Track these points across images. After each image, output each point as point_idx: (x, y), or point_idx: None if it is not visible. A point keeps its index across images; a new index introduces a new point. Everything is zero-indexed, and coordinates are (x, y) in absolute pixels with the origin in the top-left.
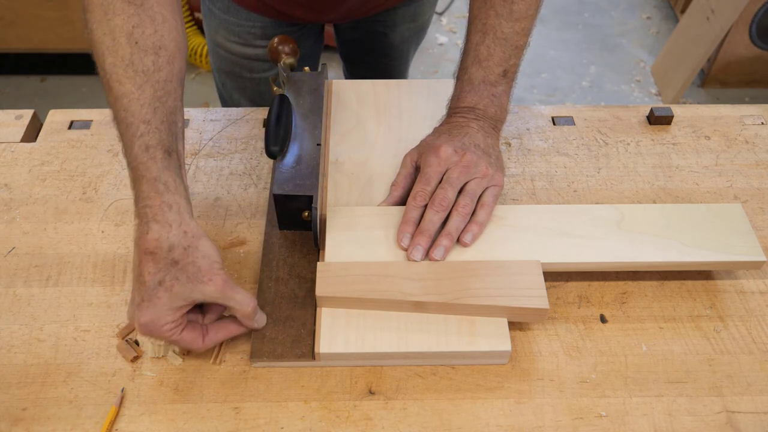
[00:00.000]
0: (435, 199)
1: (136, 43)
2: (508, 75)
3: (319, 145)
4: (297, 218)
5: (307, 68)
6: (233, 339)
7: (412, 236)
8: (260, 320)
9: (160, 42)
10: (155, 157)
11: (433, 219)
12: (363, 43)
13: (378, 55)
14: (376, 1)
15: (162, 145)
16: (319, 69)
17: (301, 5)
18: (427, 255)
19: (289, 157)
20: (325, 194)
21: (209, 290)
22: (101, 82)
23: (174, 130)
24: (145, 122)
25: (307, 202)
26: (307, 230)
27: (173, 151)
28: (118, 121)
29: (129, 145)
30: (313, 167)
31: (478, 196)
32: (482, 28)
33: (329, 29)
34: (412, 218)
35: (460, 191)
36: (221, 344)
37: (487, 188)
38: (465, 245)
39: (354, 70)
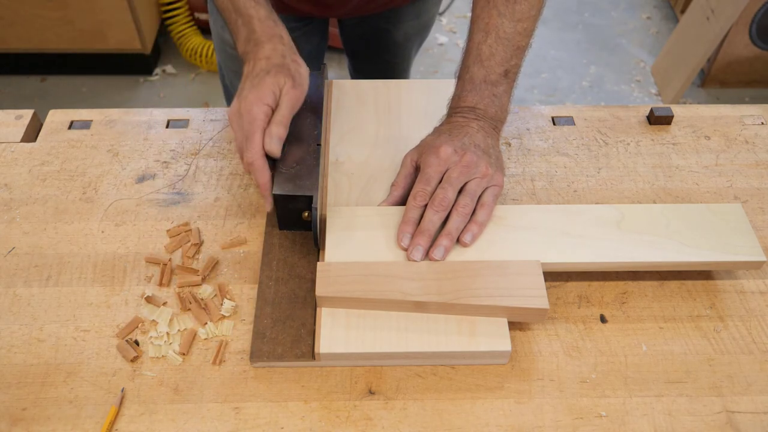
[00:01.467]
0: (435, 199)
1: None
2: (510, 75)
3: (319, 145)
4: (297, 218)
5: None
6: (233, 339)
7: (412, 236)
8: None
9: None
10: (260, 2)
11: (433, 219)
12: (367, 40)
13: (381, 52)
14: (376, 3)
15: None
16: (320, 69)
17: (307, 1)
18: (427, 255)
19: (289, 157)
20: (325, 194)
21: (294, 91)
22: None
23: None
24: None
25: (307, 202)
26: (307, 230)
27: (270, 5)
28: None
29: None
30: (313, 167)
31: (478, 196)
32: (484, 27)
33: (334, 30)
34: (412, 218)
35: (460, 191)
36: (221, 344)
37: (487, 188)
38: (465, 245)
39: (359, 67)
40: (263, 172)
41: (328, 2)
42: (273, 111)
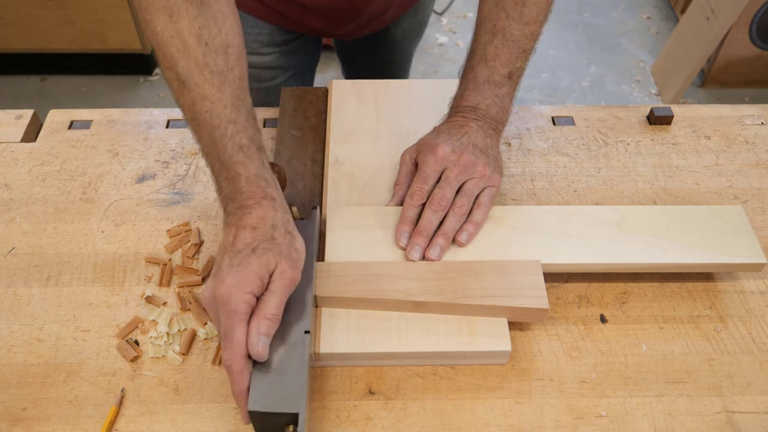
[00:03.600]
0: (434, 199)
1: (206, 44)
2: (513, 77)
3: (307, 332)
4: (279, 431)
5: (295, 209)
6: None
7: (410, 236)
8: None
9: (227, 40)
10: (251, 156)
11: (432, 219)
12: (364, 41)
13: (380, 52)
14: (381, 19)
15: (254, 142)
16: (312, 214)
17: (315, 15)
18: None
19: (271, 355)
20: (325, 195)
21: (288, 274)
22: (169, 84)
23: (257, 126)
24: (232, 122)
25: (292, 419)
26: None
27: (262, 147)
28: (199, 122)
29: (220, 146)
30: (300, 368)
31: (475, 197)
32: (492, 28)
33: None
34: (410, 217)
35: (458, 191)
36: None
37: (484, 188)
38: (460, 244)
39: (354, 70)
40: (242, 377)
41: (334, 18)
42: (257, 298)
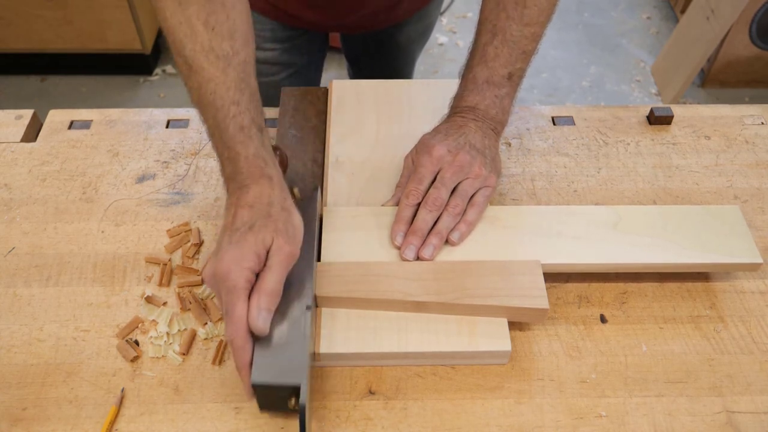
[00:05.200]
0: (428, 199)
1: (213, 29)
2: (513, 79)
3: (308, 308)
4: (282, 404)
5: (296, 190)
6: None
7: (405, 235)
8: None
9: (234, 26)
10: (251, 136)
11: (427, 218)
12: (369, 45)
13: (384, 56)
14: (386, 15)
15: (255, 123)
16: (313, 194)
17: (313, 8)
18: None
19: (273, 328)
20: (326, 195)
21: (285, 249)
22: (178, 67)
23: (260, 108)
24: (235, 104)
25: (294, 391)
26: (294, 414)
27: (263, 128)
28: (205, 104)
29: (222, 127)
30: (302, 341)
31: (469, 197)
32: (492, 29)
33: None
34: (405, 217)
35: (453, 191)
36: (221, 344)
37: (479, 189)
38: (453, 244)
39: (359, 72)
40: (244, 352)
41: (332, 11)
42: (257, 275)
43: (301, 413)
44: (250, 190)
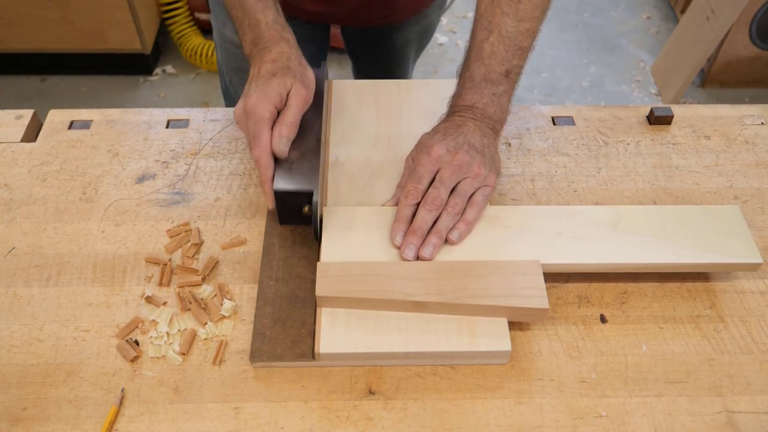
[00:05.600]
0: (428, 199)
1: None
2: (511, 76)
3: (319, 140)
4: (298, 213)
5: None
6: (233, 339)
7: (405, 234)
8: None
9: None
10: (268, 5)
11: (426, 218)
12: (368, 43)
13: (381, 56)
14: (381, 10)
15: None
16: (321, 66)
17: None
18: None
19: (290, 153)
20: (326, 193)
21: (303, 93)
22: None
23: None
24: None
25: (308, 197)
26: (308, 225)
27: (279, 7)
28: None
29: (242, 1)
30: (314, 162)
31: (468, 196)
32: (487, 26)
33: (335, 31)
34: (404, 216)
35: (452, 191)
36: (221, 344)
37: (479, 188)
38: (452, 243)
39: (362, 69)
40: (267, 168)
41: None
42: (278, 111)
43: (313, 214)
44: (272, 50)
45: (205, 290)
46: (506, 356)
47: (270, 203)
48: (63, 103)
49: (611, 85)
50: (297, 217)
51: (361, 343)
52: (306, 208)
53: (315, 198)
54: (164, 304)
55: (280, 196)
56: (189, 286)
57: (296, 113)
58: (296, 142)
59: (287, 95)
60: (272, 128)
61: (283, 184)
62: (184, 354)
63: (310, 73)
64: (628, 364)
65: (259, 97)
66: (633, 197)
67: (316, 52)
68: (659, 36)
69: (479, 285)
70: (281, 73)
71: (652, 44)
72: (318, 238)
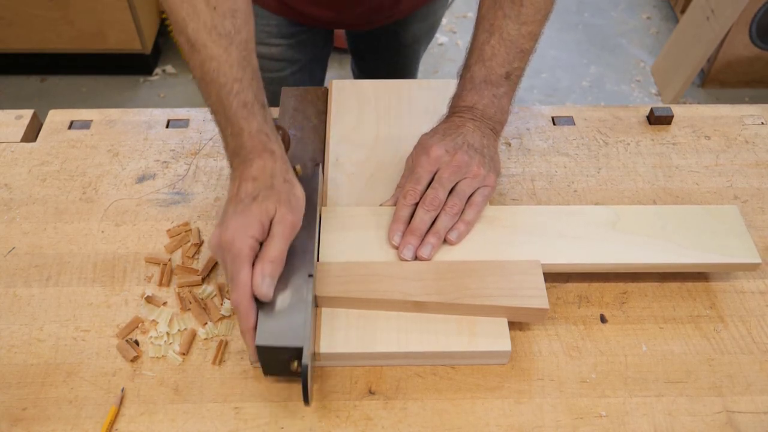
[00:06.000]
0: (426, 199)
1: (215, 8)
2: (512, 78)
3: (311, 276)
4: (284, 367)
5: (298, 167)
6: (233, 339)
7: (403, 234)
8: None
9: (234, 5)
10: (254, 112)
11: (424, 218)
12: (374, 42)
13: (389, 53)
14: (389, 11)
15: (257, 100)
16: (314, 172)
17: (318, 4)
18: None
19: (276, 294)
20: (326, 195)
21: (288, 218)
22: (180, 46)
23: (261, 85)
24: (237, 81)
25: (296, 353)
26: (296, 378)
27: (265, 105)
28: (207, 81)
29: (225, 103)
30: (304, 306)
31: (467, 196)
32: (489, 27)
33: (338, 30)
34: (403, 216)
35: (451, 191)
36: (221, 344)
37: (478, 188)
38: (451, 243)
39: (364, 68)
40: (248, 316)
41: (336, 5)
42: (260, 243)
43: (303, 375)
44: (254, 164)
45: (205, 290)
46: (506, 356)
47: (251, 356)
48: (63, 103)
49: (611, 85)
50: (284, 370)
51: (361, 343)
52: (295, 364)
53: (305, 358)
54: (164, 304)
55: (264, 352)
56: (189, 286)
57: (281, 245)
58: (284, 279)
59: (270, 223)
60: (253, 265)
61: (267, 336)
62: (184, 354)
63: (298, 191)
64: (628, 364)
65: (237, 228)
66: (633, 197)
67: (319, 55)
68: (659, 36)
69: (479, 285)
70: (263, 195)
71: (652, 44)
72: (307, 401)
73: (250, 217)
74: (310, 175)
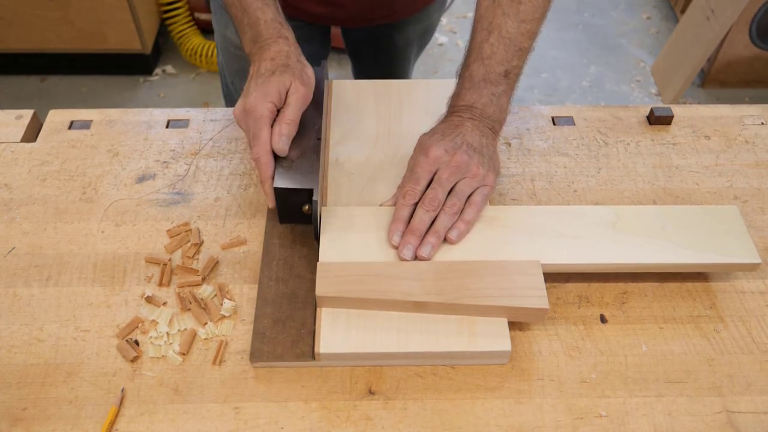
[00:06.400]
0: (425, 199)
1: None
2: (510, 76)
3: (319, 139)
4: (298, 212)
5: (306, 207)
6: (233, 339)
7: (403, 234)
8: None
9: None
10: (267, 3)
11: (424, 218)
12: (369, 44)
13: (382, 55)
14: (383, 11)
15: None
16: (320, 65)
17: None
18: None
19: (291, 152)
20: (326, 193)
21: (302, 90)
22: None
23: None
24: None
25: (307, 195)
26: (308, 224)
27: (278, 5)
28: None
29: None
30: (314, 161)
31: (467, 196)
32: (488, 26)
33: (335, 31)
34: (402, 216)
35: (450, 191)
36: (221, 344)
37: (477, 188)
38: (451, 242)
39: (362, 69)
40: (267, 167)
41: (329, 2)
42: (278, 109)
43: (313, 212)
44: (271, 47)
45: (205, 290)
46: (506, 356)
47: (270, 202)
48: (63, 103)
49: (611, 85)
50: (297, 215)
51: (361, 343)
52: (306, 207)
53: (315, 196)
54: (164, 304)
55: (280, 194)
56: (189, 286)
57: (296, 111)
58: (296, 141)
59: (286, 93)
60: (272, 126)
61: (283, 182)
62: (184, 354)
63: (309, 71)
64: (628, 364)
65: (259, 96)
66: (633, 197)
67: (317, 53)
68: (659, 36)
69: (479, 285)
70: (280, 70)
71: (652, 44)
72: (317, 238)
73: (269, 87)
74: (318, 68)
